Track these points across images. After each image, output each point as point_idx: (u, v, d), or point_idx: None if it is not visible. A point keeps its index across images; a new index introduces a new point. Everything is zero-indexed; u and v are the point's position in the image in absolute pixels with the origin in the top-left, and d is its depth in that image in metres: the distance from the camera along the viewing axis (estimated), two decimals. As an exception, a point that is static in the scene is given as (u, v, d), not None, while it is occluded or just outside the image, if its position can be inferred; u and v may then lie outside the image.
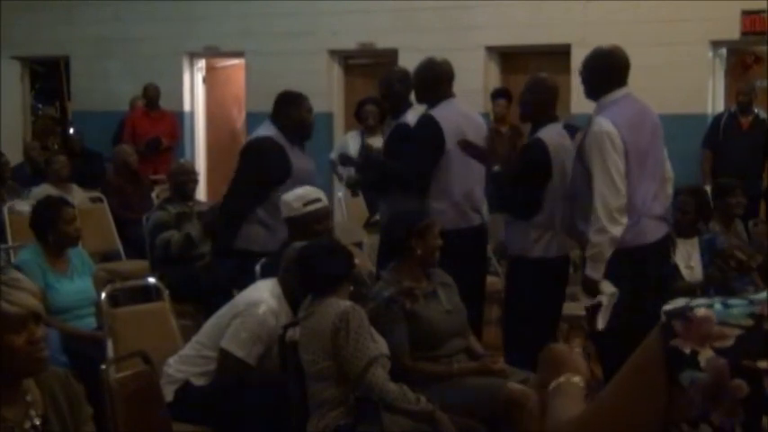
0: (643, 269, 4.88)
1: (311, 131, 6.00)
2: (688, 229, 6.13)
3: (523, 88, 5.41)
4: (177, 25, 12.37)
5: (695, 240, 6.13)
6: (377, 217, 6.95)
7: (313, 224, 5.09)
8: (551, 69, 9.54)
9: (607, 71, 4.94)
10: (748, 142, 8.67)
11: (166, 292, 5.08)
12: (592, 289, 4.83)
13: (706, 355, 1.40)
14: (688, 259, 6.10)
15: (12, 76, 13.91)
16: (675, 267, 6.05)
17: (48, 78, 14.85)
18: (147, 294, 5.46)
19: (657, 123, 5.06)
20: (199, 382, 4.44)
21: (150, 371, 4.05)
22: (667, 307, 1.48)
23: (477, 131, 5.59)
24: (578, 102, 9.93)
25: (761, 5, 9.06)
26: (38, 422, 2.57)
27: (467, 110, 5.80)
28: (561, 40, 10.07)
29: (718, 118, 9.21)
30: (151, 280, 5.45)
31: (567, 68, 10.00)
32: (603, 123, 4.78)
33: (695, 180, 8.31)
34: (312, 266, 4.17)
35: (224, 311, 4.55)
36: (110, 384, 3.72)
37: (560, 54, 10.06)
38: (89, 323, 5.31)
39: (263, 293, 4.50)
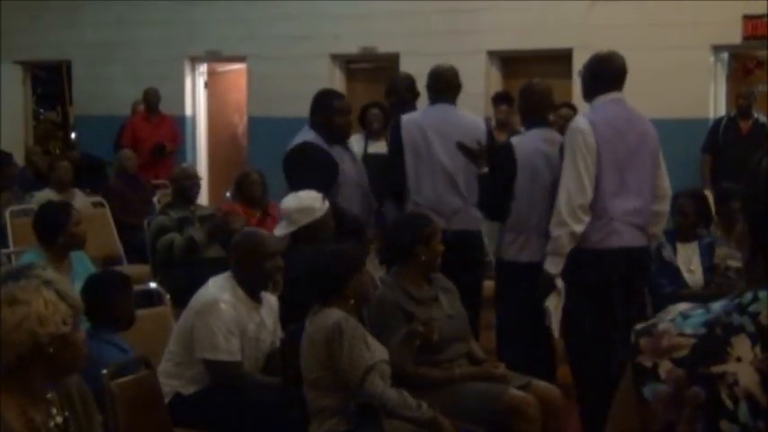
0: (610, 272, 4.86)
1: (344, 133, 5.76)
2: (688, 232, 6.14)
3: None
4: (179, 29, 12.38)
5: (695, 244, 6.13)
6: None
7: (329, 220, 5.13)
8: (553, 74, 9.55)
9: (602, 75, 4.99)
10: (748, 147, 8.65)
11: (167, 297, 5.08)
12: (548, 284, 4.86)
13: (665, 366, 1.44)
14: (688, 263, 6.11)
15: (13, 81, 13.92)
16: (677, 271, 6.06)
17: (49, 83, 14.87)
18: (149, 299, 5.46)
19: (650, 134, 5.03)
20: (188, 390, 4.43)
21: (151, 375, 4.05)
22: (638, 326, 1.51)
23: (464, 135, 5.52)
24: (580, 106, 9.96)
25: (762, 10, 9.06)
26: (60, 420, 2.60)
27: (456, 113, 5.75)
28: (563, 45, 10.07)
29: (717, 122, 9.20)
30: (152, 285, 5.45)
31: (568, 73, 10.00)
32: (579, 121, 4.87)
33: (696, 185, 8.32)
34: (317, 274, 4.18)
35: (183, 318, 4.53)
36: (111, 389, 3.72)
37: (562, 58, 10.05)
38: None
39: (214, 291, 4.49)
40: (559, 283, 4.87)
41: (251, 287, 4.55)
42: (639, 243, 4.97)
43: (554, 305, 4.88)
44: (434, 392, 4.22)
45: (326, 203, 5.15)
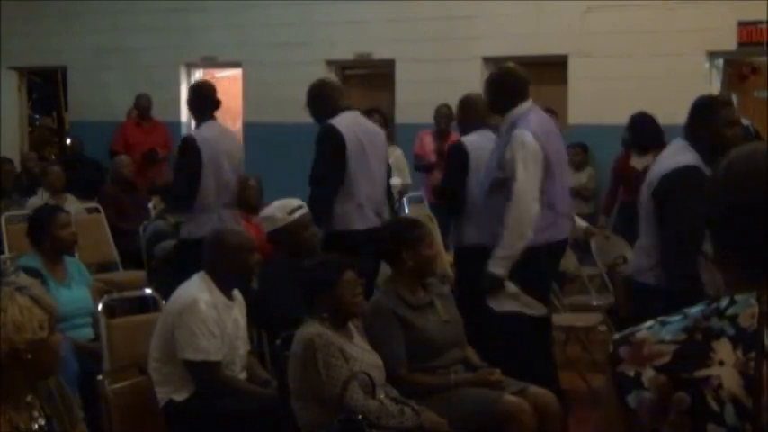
0: (555, 263, 5.34)
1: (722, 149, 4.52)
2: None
3: None
4: (175, 36, 12.38)
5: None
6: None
7: (300, 231, 5.12)
8: (548, 80, 9.57)
9: (514, 87, 5.24)
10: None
11: (163, 303, 5.07)
12: (497, 284, 5.02)
13: (648, 374, 1.45)
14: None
15: (9, 87, 13.91)
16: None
17: (45, 89, 14.85)
18: (144, 305, 5.46)
19: (559, 131, 5.55)
20: (180, 397, 4.41)
21: (146, 382, 4.05)
22: (615, 336, 1.54)
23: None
24: (575, 113, 9.97)
25: (758, 16, 9.07)
26: (42, 422, 2.60)
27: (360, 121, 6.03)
28: (558, 51, 10.09)
29: None
30: (148, 291, 5.45)
31: (563, 79, 10.03)
32: (525, 138, 5.02)
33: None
34: (304, 284, 4.20)
35: (161, 324, 4.51)
36: (106, 395, 3.72)
37: (557, 65, 10.07)
38: (86, 333, 5.31)
39: (193, 292, 4.48)
40: (510, 286, 5.02)
41: (230, 284, 4.56)
42: (567, 233, 5.37)
43: (512, 301, 5.02)
44: (430, 399, 4.22)
45: (299, 213, 5.17)
